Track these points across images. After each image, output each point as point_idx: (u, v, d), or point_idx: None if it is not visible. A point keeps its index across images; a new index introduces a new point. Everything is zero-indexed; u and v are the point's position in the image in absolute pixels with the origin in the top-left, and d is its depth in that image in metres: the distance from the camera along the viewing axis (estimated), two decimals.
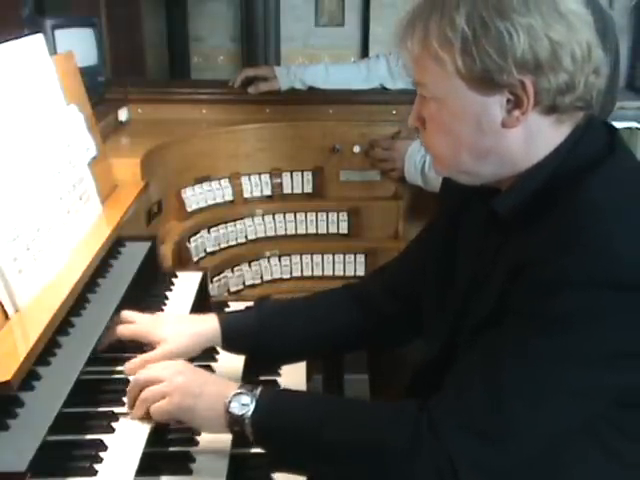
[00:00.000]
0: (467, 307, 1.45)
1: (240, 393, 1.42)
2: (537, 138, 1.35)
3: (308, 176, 2.90)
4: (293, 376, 1.89)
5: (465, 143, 1.36)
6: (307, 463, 1.44)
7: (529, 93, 1.29)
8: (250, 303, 2.20)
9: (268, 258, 2.84)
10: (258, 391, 1.43)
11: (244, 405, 1.41)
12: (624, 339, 1.26)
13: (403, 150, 2.71)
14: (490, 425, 1.29)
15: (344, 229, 2.91)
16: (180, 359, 1.58)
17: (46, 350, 1.48)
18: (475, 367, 1.33)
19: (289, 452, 1.43)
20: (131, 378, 1.54)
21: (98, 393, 1.55)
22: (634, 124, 3.53)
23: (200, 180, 2.71)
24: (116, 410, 1.49)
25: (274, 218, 2.86)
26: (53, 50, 2.18)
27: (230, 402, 1.41)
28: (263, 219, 2.85)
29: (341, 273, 2.90)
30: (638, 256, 1.23)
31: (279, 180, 2.88)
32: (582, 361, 1.26)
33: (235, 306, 2.18)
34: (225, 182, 2.78)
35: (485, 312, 1.36)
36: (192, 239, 2.60)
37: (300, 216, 2.88)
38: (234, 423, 1.41)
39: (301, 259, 2.88)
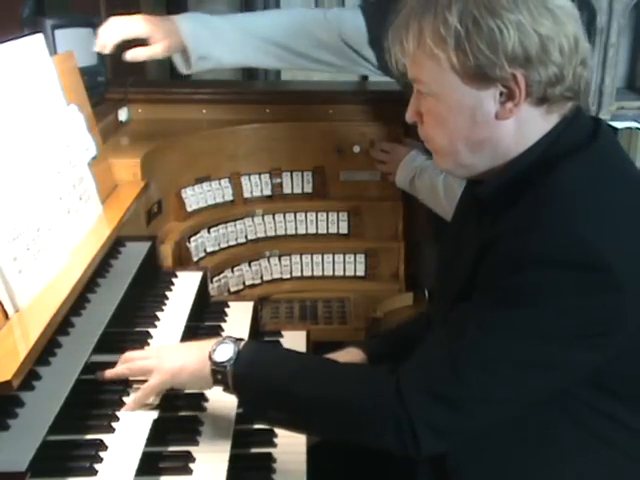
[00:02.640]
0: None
1: (224, 342, 1.53)
2: (528, 128, 1.40)
3: (308, 176, 2.89)
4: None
5: (461, 135, 1.41)
6: (278, 414, 1.52)
7: (521, 86, 1.34)
8: (250, 303, 2.21)
9: (268, 258, 2.84)
10: (242, 342, 1.53)
11: (227, 353, 1.51)
12: (577, 319, 1.30)
13: (401, 156, 2.67)
14: (448, 390, 1.36)
15: (344, 229, 2.91)
16: None
17: (46, 350, 1.48)
18: (441, 336, 1.41)
19: (263, 402, 1.51)
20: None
21: (98, 393, 1.55)
22: (634, 124, 3.53)
23: (200, 180, 2.71)
24: (116, 410, 1.50)
25: (274, 218, 2.86)
26: (53, 50, 2.18)
27: (214, 351, 1.51)
28: (263, 219, 2.84)
29: (341, 273, 2.89)
30: (597, 239, 1.27)
31: (279, 180, 2.87)
32: (536, 336, 1.31)
33: (235, 306, 2.18)
34: (225, 182, 2.78)
35: (456, 289, 1.44)
36: (192, 239, 2.60)
37: (300, 216, 2.88)
38: (217, 371, 1.50)
39: (301, 259, 2.88)
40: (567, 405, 1.41)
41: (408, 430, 1.36)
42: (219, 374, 1.51)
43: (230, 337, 1.55)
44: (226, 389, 1.53)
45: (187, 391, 1.66)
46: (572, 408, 1.41)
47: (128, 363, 1.59)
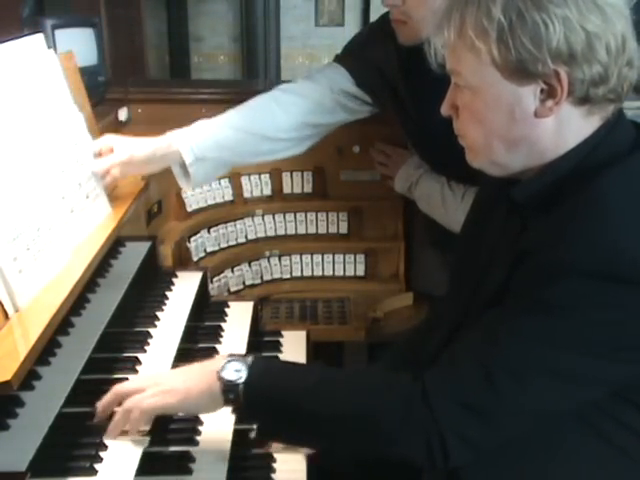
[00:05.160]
0: (478, 291, 1.47)
1: (232, 360, 1.45)
2: (567, 129, 1.36)
3: (308, 176, 2.89)
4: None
5: (498, 132, 1.37)
6: (297, 431, 1.46)
7: (563, 83, 1.30)
8: (250, 303, 2.21)
9: (268, 258, 2.84)
10: (250, 359, 1.46)
11: (237, 371, 1.43)
12: (615, 332, 1.27)
13: (401, 161, 2.64)
14: (480, 399, 1.32)
15: (344, 229, 2.91)
16: None
17: (46, 350, 1.48)
18: (472, 343, 1.36)
19: (281, 420, 1.45)
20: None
21: (98, 393, 1.55)
22: None
23: None
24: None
25: (274, 218, 2.86)
26: (53, 50, 2.17)
27: (223, 369, 1.43)
28: (263, 219, 2.84)
29: (341, 273, 2.89)
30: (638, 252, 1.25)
31: (279, 180, 2.88)
32: (572, 347, 1.28)
33: (235, 306, 2.18)
34: (225, 182, 2.78)
35: (491, 293, 1.39)
36: (192, 239, 2.60)
37: (300, 216, 2.88)
38: (228, 391, 1.43)
39: (301, 259, 2.88)
40: (590, 416, 1.38)
41: (437, 441, 1.32)
42: (231, 393, 1.42)
43: (235, 354, 1.48)
44: (236, 409, 1.46)
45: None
46: (595, 419, 1.38)
47: (124, 405, 1.46)
